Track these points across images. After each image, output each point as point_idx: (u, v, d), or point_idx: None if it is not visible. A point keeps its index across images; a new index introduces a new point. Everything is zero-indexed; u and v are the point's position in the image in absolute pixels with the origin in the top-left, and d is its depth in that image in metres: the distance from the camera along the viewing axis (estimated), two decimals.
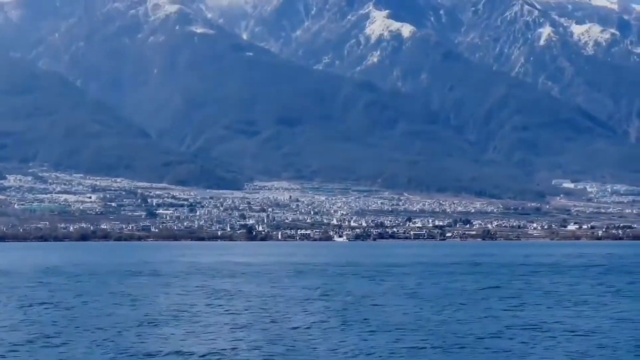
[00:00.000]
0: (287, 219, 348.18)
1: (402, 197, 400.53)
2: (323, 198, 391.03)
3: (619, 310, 65.36)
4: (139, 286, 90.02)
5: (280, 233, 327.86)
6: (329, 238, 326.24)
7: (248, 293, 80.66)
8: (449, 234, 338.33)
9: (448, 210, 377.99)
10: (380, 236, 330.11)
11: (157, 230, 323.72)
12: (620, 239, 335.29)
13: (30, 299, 74.84)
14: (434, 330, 53.50)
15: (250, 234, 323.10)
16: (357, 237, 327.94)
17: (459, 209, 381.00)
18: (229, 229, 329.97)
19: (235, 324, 56.73)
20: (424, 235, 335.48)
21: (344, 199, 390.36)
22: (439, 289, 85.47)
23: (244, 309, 66.20)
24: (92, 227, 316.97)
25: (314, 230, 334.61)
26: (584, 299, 75.01)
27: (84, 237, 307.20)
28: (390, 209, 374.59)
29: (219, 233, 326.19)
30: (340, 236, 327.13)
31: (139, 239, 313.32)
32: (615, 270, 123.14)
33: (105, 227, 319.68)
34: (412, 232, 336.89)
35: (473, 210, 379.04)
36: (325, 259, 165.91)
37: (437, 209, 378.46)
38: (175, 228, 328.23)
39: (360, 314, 62.19)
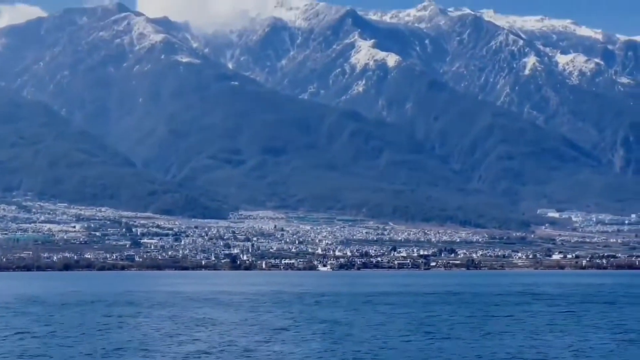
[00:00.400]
0: (272, 248, 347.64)
1: (387, 227, 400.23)
2: (308, 227, 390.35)
3: (581, 339, 65.56)
4: (112, 317, 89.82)
5: (264, 262, 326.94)
6: (313, 267, 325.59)
7: (219, 322, 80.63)
8: (433, 264, 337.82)
9: (433, 239, 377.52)
10: (365, 266, 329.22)
11: (140, 259, 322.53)
12: (605, 268, 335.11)
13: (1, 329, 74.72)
14: (396, 358, 53.56)
15: (235, 264, 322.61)
16: (341, 266, 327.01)
17: (444, 238, 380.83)
18: (213, 259, 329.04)
19: (197, 351, 56.68)
20: (408, 265, 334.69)
21: (329, 229, 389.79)
22: (410, 318, 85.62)
23: (207, 337, 66.14)
24: (75, 257, 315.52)
25: (299, 260, 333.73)
26: (550, 328, 75.23)
27: (67, 266, 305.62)
28: (375, 239, 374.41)
29: (203, 262, 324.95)
30: (325, 265, 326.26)
31: (123, 268, 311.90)
32: (589, 300, 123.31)
33: (89, 256, 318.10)
34: (396, 262, 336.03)
35: (458, 240, 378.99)
36: (305, 288, 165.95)
37: (422, 239, 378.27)
38: (160, 257, 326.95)
39: (327, 342, 62.21)
